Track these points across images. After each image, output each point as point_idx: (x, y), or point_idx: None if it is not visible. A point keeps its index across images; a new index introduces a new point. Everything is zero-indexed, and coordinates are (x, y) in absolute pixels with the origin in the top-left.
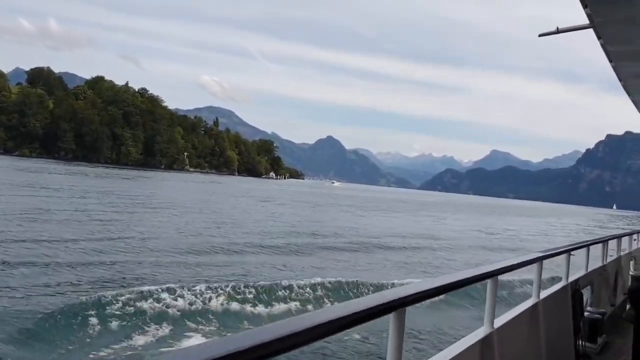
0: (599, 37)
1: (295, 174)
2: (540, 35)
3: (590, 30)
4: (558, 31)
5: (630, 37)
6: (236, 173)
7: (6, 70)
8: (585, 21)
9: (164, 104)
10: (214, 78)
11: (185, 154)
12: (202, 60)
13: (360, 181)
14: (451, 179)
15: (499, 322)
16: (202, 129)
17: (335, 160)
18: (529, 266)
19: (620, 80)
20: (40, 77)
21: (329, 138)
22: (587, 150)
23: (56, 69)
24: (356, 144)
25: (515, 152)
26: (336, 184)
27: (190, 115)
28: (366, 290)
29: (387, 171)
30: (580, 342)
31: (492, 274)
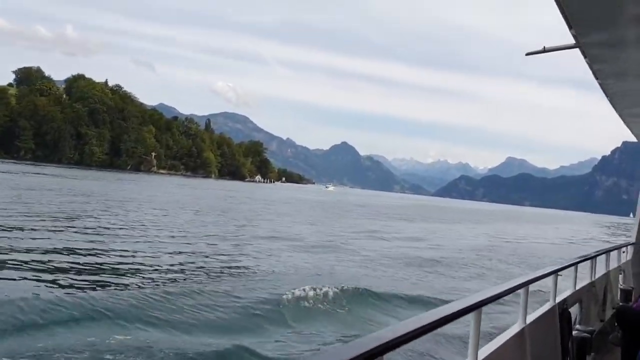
0: (584, 56)
1: (298, 179)
2: (527, 54)
3: (577, 50)
4: (545, 50)
5: (615, 57)
6: (213, 176)
7: None
8: (572, 41)
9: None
10: (229, 84)
11: (153, 154)
12: (216, 67)
13: (375, 187)
14: (466, 186)
15: (483, 353)
16: (190, 130)
17: (349, 167)
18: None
19: (607, 97)
20: (29, 77)
21: (344, 144)
22: (603, 157)
23: (71, 74)
24: (371, 150)
25: (531, 159)
26: (330, 188)
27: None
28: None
29: (401, 177)
30: None
31: (476, 307)
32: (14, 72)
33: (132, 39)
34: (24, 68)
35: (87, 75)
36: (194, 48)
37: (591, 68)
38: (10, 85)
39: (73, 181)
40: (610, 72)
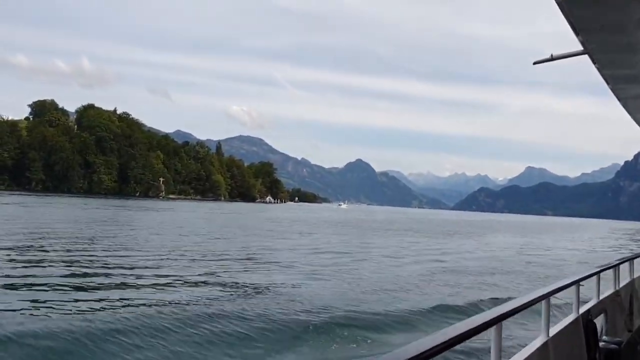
0: (594, 62)
1: (312, 198)
2: (534, 63)
3: (586, 56)
4: (552, 58)
5: (626, 62)
6: (222, 198)
7: None
8: (579, 47)
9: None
10: (243, 108)
11: (161, 179)
12: (230, 91)
13: (392, 204)
14: (485, 198)
15: None
16: (199, 154)
17: (365, 184)
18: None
19: (619, 101)
20: (43, 110)
21: (359, 161)
22: (626, 162)
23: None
24: (386, 166)
25: (551, 168)
26: (343, 206)
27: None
28: None
29: (419, 192)
30: None
31: (496, 321)
32: (30, 105)
33: (147, 68)
34: (39, 101)
35: (103, 106)
36: (207, 74)
37: (601, 73)
38: (26, 118)
39: (81, 211)
40: (621, 76)
